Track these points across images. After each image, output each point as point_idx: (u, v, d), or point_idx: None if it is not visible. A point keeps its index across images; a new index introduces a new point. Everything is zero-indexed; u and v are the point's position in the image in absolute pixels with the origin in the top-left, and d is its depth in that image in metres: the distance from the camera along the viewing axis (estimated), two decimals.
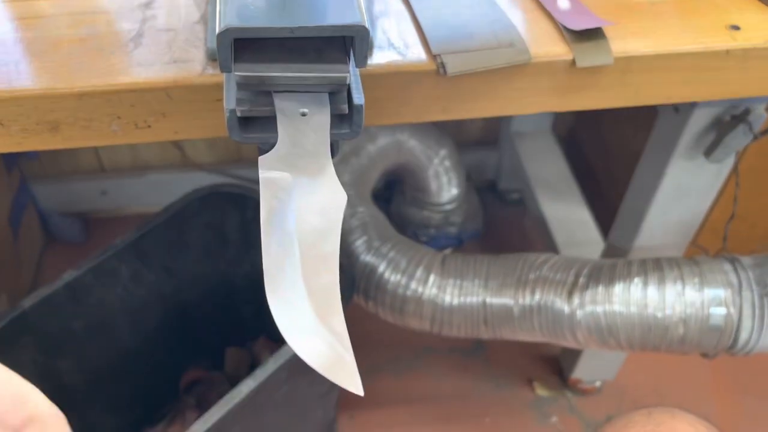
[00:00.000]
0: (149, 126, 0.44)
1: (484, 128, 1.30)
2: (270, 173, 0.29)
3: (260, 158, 0.30)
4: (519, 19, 0.47)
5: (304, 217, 0.27)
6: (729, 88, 0.49)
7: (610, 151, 1.15)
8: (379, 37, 0.46)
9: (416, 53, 0.45)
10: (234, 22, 0.30)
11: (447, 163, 1.12)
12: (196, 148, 1.21)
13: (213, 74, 0.42)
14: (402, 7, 0.49)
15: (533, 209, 1.18)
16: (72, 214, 1.23)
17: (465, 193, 1.18)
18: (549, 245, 1.09)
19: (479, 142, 1.32)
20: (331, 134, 0.33)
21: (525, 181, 1.20)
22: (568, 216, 1.10)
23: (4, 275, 1.04)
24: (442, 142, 1.10)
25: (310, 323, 0.25)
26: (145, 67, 0.42)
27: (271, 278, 0.25)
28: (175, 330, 0.90)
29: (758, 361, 1.13)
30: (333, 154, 0.33)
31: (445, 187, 1.15)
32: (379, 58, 0.45)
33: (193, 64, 0.43)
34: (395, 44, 0.46)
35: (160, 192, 1.10)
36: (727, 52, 0.46)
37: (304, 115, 0.31)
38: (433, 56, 0.44)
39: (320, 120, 0.31)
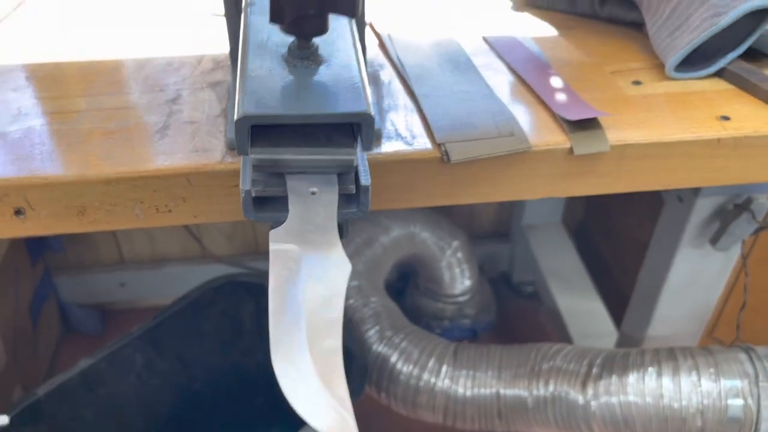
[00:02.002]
0: (170, 210, 0.46)
1: (495, 220, 1.33)
2: (280, 245, 0.31)
3: (271, 232, 0.32)
4: (519, 110, 0.51)
5: (310, 286, 0.29)
6: (722, 175, 0.51)
7: (619, 241, 1.17)
8: (388, 128, 0.49)
9: (422, 142, 0.48)
10: (251, 110, 0.32)
11: (460, 254, 1.13)
12: (214, 240, 1.24)
13: (231, 162, 0.45)
14: (409, 102, 0.52)
15: (547, 301, 1.18)
16: (91, 305, 1.26)
17: (478, 285, 1.18)
18: (563, 337, 1.08)
19: (491, 234, 1.34)
20: (340, 213, 0.35)
21: (538, 273, 1.21)
22: (582, 308, 1.10)
23: (22, 364, 1.04)
24: (454, 233, 1.12)
25: (313, 386, 0.26)
26: (169, 156, 0.45)
27: (276, 343, 0.27)
28: (188, 420, 0.90)
29: None
30: (342, 235, 0.35)
31: (458, 278, 1.15)
32: (387, 147, 0.48)
33: (214, 153, 0.46)
34: (402, 134, 0.49)
35: (178, 284, 1.12)
36: (719, 140, 0.49)
37: (313, 193, 0.34)
38: (437, 145, 0.47)
39: (329, 198, 0.34)
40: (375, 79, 0.55)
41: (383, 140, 0.48)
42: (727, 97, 0.53)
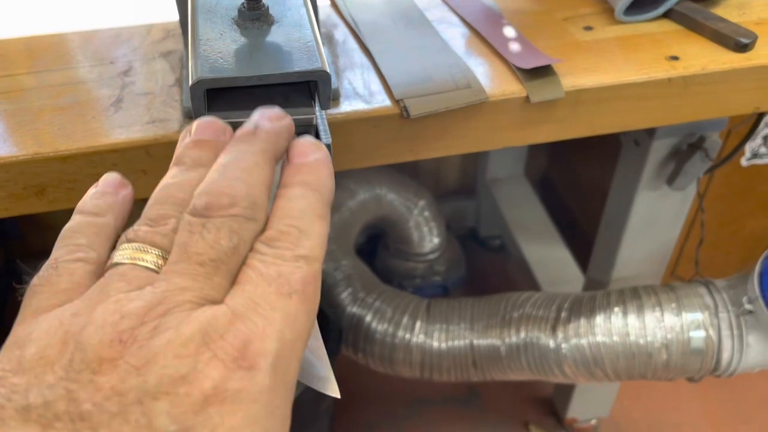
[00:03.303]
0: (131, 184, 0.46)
1: (460, 177, 1.34)
2: None
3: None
4: (475, 62, 0.51)
5: None
6: (675, 114, 0.52)
7: (582, 189, 1.19)
8: (345, 88, 0.49)
9: (380, 100, 0.48)
10: (205, 74, 0.32)
11: (427, 213, 1.14)
12: None
13: None
14: (365, 60, 0.52)
15: (515, 253, 1.20)
16: None
17: (446, 242, 1.20)
18: (532, 286, 1.10)
19: (457, 191, 1.35)
20: None
21: (504, 226, 1.23)
22: (549, 256, 1.13)
23: None
24: (420, 193, 1.13)
25: None
26: (125, 129, 0.44)
27: None
28: None
29: (751, 391, 1.14)
30: None
31: (427, 237, 1.17)
32: (346, 106, 0.48)
33: (171, 123, 0.45)
34: (360, 93, 0.49)
35: None
36: (669, 80, 0.50)
37: None
38: (396, 101, 0.47)
39: None
40: (329, 39, 0.55)
41: (342, 100, 0.48)
42: (676, 38, 0.54)
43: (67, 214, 0.29)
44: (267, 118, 0.28)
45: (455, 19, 0.56)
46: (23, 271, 1.19)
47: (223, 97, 0.34)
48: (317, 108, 0.35)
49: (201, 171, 0.26)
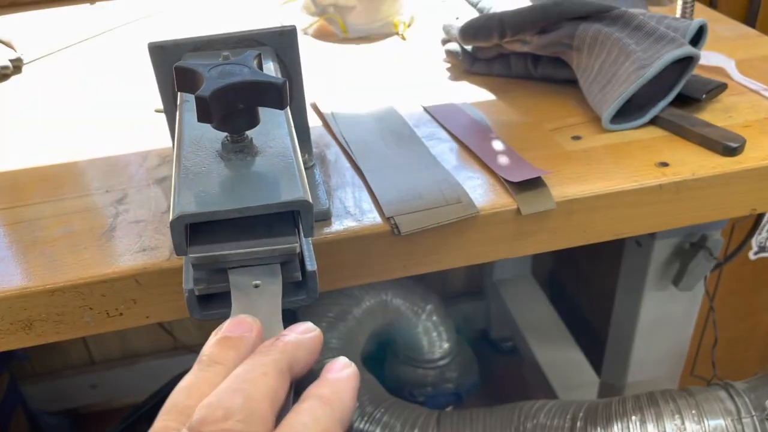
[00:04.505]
0: (121, 314, 0.45)
1: (467, 279, 1.33)
2: None
3: (213, 333, 0.31)
4: (464, 176, 0.51)
5: None
6: (669, 219, 0.52)
7: (591, 288, 1.17)
8: (336, 207, 0.49)
9: (371, 218, 0.48)
10: (185, 209, 0.32)
11: (435, 317, 1.12)
12: (186, 330, 1.21)
13: (180, 258, 0.44)
14: (356, 178, 0.53)
15: (527, 356, 1.17)
16: (62, 411, 1.21)
17: (457, 346, 1.17)
18: (546, 390, 1.07)
19: (465, 293, 1.34)
20: (289, 302, 0.35)
21: (515, 328, 1.20)
22: (562, 359, 1.10)
23: None
24: (426, 297, 1.11)
25: None
26: (115, 258, 0.44)
27: None
28: None
29: None
30: (296, 321, 0.35)
31: (436, 342, 1.14)
32: (338, 225, 0.48)
33: (162, 251, 0.45)
34: (351, 212, 0.49)
35: (151, 380, 1.09)
36: (660, 186, 0.50)
37: (257, 286, 0.33)
38: (387, 219, 0.47)
39: (272, 290, 0.33)
40: (322, 159, 0.56)
41: (333, 219, 0.48)
42: (665, 144, 0.54)
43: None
44: (295, 330, 0.30)
45: (444, 135, 0.57)
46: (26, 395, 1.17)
47: (206, 230, 0.34)
48: (305, 236, 0.35)
49: (218, 369, 0.27)
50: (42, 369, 1.18)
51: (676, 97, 0.56)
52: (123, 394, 1.24)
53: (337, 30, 0.79)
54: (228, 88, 0.34)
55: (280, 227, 0.35)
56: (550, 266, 1.30)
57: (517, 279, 1.25)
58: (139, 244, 0.46)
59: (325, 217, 0.48)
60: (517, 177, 0.49)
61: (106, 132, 0.61)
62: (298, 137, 0.53)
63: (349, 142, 0.56)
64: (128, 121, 0.63)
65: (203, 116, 0.33)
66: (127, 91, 0.68)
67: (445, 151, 0.55)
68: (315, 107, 0.63)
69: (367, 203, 0.50)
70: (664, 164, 0.51)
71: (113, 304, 0.45)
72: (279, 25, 0.48)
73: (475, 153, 0.54)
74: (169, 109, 0.49)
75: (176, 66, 0.36)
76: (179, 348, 1.23)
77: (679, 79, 0.55)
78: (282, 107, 0.35)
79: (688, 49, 0.53)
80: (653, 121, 0.56)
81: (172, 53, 0.47)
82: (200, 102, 0.33)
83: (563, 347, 1.12)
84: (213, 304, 0.36)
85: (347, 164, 0.55)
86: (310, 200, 0.34)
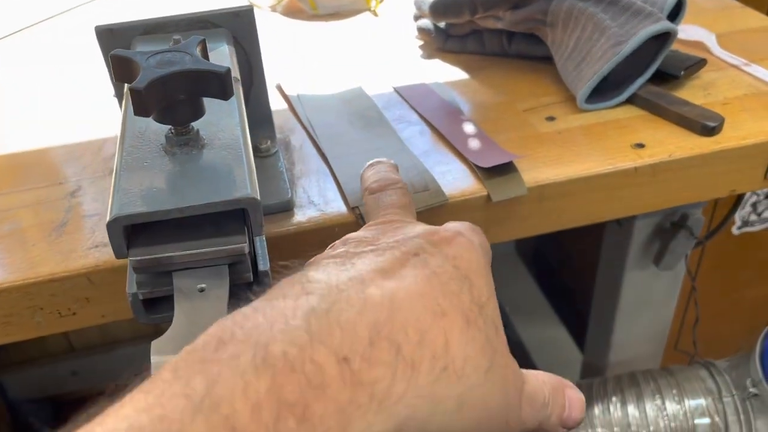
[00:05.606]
0: (74, 313, 0.43)
1: None
2: (161, 357, 0.28)
3: (153, 342, 0.29)
4: (433, 162, 0.49)
5: None
6: (645, 202, 0.50)
7: (574, 264, 1.16)
8: (300, 196, 0.47)
9: (336, 207, 0.46)
10: (123, 210, 0.30)
11: None
12: None
13: None
14: (322, 165, 0.50)
15: (510, 334, 1.16)
16: (43, 398, 1.19)
17: None
18: (530, 369, 1.06)
19: None
20: (237, 305, 0.33)
21: (500, 306, 1.19)
22: (545, 337, 1.09)
23: None
24: None
25: None
26: (65, 255, 0.42)
27: None
28: None
29: None
30: None
31: None
32: (300, 216, 0.46)
33: None
34: (315, 202, 0.47)
35: (132, 366, 1.07)
36: (636, 169, 0.48)
37: (202, 290, 0.31)
38: (351, 209, 0.45)
39: (218, 293, 0.31)
40: (286, 145, 0.53)
41: (296, 210, 0.46)
42: (641, 124, 0.52)
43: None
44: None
45: (414, 117, 0.55)
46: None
47: (146, 232, 0.32)
48: (254, 235, 0.33)
49: None
50: (21, 357, 1.16)
51: (654, 73, 0.54)
52: (104, 380, 1.22)
53: (306, 7, 0.76)
54: (165, 79, 0.31)
55: (228, 225, 0.33)
56: (534, 243, 1.28)
57: (501, 256, 1.24)
58: (92, 240, 0.44)
59: (288, 208, 0.46)
60: (487, 162, 0.47)
61: (59, 119, 0.58)
62: (260, 123, 0.51)
63: (314, 127, 0.54)
64: (84, 108, 0.60)
65: (139, 110, 0.31)
66: (84, 75, 0.65)
67: (414, 134, 0.53)
68: (280, 89, 0.60)
69: (332, 192, 0.48)
70: (641, 145, 0.49)
71: (65, 304, 0.43)
72: (236, 5, 0.45)
73: (445, 137, 0.52)
74: (121, 93, 0.46)
75: (111, 55, 0.33)
76: (160, 333, 1.21)
77: (657, 56, 0.53)
78: (226, 97, 0.33)
79: (665, 25, 0.51)
80: (630, 100, 0.54)
81: (120, 37, 0.45)
82: (135, 94, 0.31)
83: (547, 325, 1.11)
84: (160, 306, 0.34)
85: (313, 150, 0.52)
86: (258, 197, 0.32)
